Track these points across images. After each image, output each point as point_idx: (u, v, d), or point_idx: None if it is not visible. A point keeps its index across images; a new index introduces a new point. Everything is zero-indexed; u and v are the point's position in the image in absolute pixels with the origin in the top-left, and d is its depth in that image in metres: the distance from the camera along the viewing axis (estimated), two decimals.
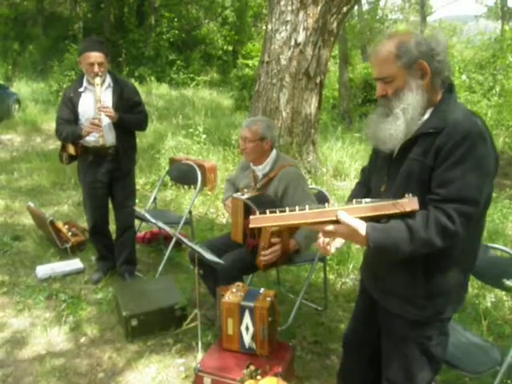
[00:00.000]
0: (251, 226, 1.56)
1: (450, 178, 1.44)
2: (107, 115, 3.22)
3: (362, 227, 1.46)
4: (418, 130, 1.54)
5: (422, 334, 1.66)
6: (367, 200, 1.50)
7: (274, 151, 2.94)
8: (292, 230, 2.60)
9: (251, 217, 1.56)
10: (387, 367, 1.77)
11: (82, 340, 2.99)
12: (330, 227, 1.49)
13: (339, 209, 1.47)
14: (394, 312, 1.69)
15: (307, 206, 1.50)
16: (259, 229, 2.54)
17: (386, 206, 1.45)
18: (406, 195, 1.45)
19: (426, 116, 1.56)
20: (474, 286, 3.53)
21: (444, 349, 1.72)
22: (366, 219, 1.47)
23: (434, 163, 1.48)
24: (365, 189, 1.89)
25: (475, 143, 1.44)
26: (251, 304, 2.41)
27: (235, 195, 2.84)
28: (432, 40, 1.54)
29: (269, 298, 2.45)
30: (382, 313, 1.77)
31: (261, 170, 2.93)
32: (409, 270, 1.59)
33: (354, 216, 1.47)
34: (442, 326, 1.68)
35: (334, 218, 1.47)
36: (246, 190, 2.92)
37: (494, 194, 4.92)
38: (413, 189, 1.49)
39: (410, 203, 1.43)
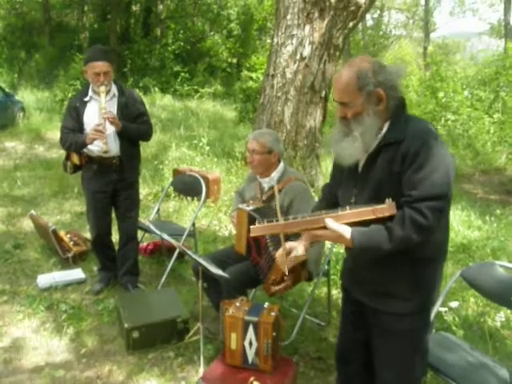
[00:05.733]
0: (252, 235, 1.77)
1: (418, 180, 1.61)
2: (111, 122, 3.22)
3: (347, 232, 1.64)
4: (381, 142, 1.72)
5: (410, 327, 1.78)
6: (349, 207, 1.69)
7: (282, 164, 2.93)
8: (304, 262, 2.59)
9: (252, 227, 1.76)
10: (380, 369, 1.88)
11: (82, 351, 2.95)
12: (319, 232, 1.69)
13: (327, 216, 1.66)
14: (381, 310, 1.81)
15: (299, 215, 1.73)
16: (270, 259, 2.54)
17: (367, 212, 1.63)
18: (387, 200, 1.61)
19: (385, 129, 1.74)
20: (478, 304, 3.49)
21: (428, 342, 1.87)
22: (350, 224, 1.65)
23: (401, 169, 1.65)
24: (324, 204, 2.05)
25: (434, 146, 1.64)
26: (255, 319, 2.38)
27: (240, 206, 2.82)
28: (386, 69, 1.73)
29: (273, 313, 2.41)
30: (370, 314, 1.88)
31: (267, 182, 2.92)
32: (396, 266, 1.73)
33: (340, 222, 1.65)
34: (426, 316, 1.84)
35: (323, 225, 1.66)
36: (251, 202, 2.90)
37: (497, 211, 4.93)
38: (383, 195, 1.65)
39: (388, 209, 1.61)
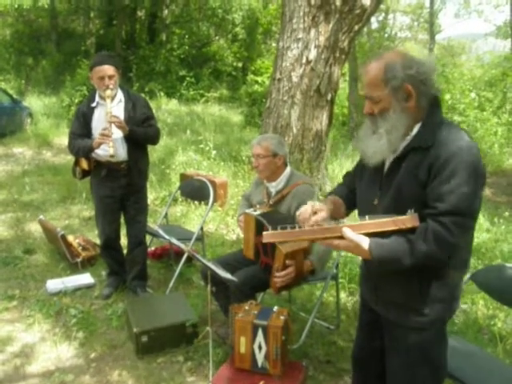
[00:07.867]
0: (264, 241, 1.66)
1: (445, 192, 1.49)
2: (117, 126, 3.23)
3: (365, 242, 1.54)
4: (409, 146, 1.60)
5: (424, 340, 1.69)
6: (369, 216, 1.58)
7: (289, 168, 2.93)
8: (306, 251, 2.57)
9: (264, 233, 1.66)
10: (392, 380, 1.80)
11: (92, 356, 2.96)
12: (335, 242, 1.58)
13: (344, 225, 1.56)
14: (395, 321, 1.73)
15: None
16: (273, 249, 2.53)
17: (388, 223, 1.52)
18: (409, 211, 1.51)
19: (415, 131, 1.62)
20: (488, 306, 3.47)
21: (445, 356, 1.74)
22: (369, 235, 1.55)
23: (428, 178, 1.53)
24: (347, 189, 1.96)
25: (465, 157, 1.50)
26: (264, 322, 2.38)
27: (247, 211, 2.82)
28: (417, 61, 1.59)
29: (282, 317, 2.41)
30: (384, 324, 1.81)
31: (274, 186, 2.92)
32: (404, 278, 1.64)
33: (358, 232, 1.55)
34: (441, 329, 1.72)
35: (340, 234, 1.56)
36: (258, 206, 2.91)
37: (506, 213, 4.88)
38: (405, 201, 1.56)
39: (410, 220, 1.50)
